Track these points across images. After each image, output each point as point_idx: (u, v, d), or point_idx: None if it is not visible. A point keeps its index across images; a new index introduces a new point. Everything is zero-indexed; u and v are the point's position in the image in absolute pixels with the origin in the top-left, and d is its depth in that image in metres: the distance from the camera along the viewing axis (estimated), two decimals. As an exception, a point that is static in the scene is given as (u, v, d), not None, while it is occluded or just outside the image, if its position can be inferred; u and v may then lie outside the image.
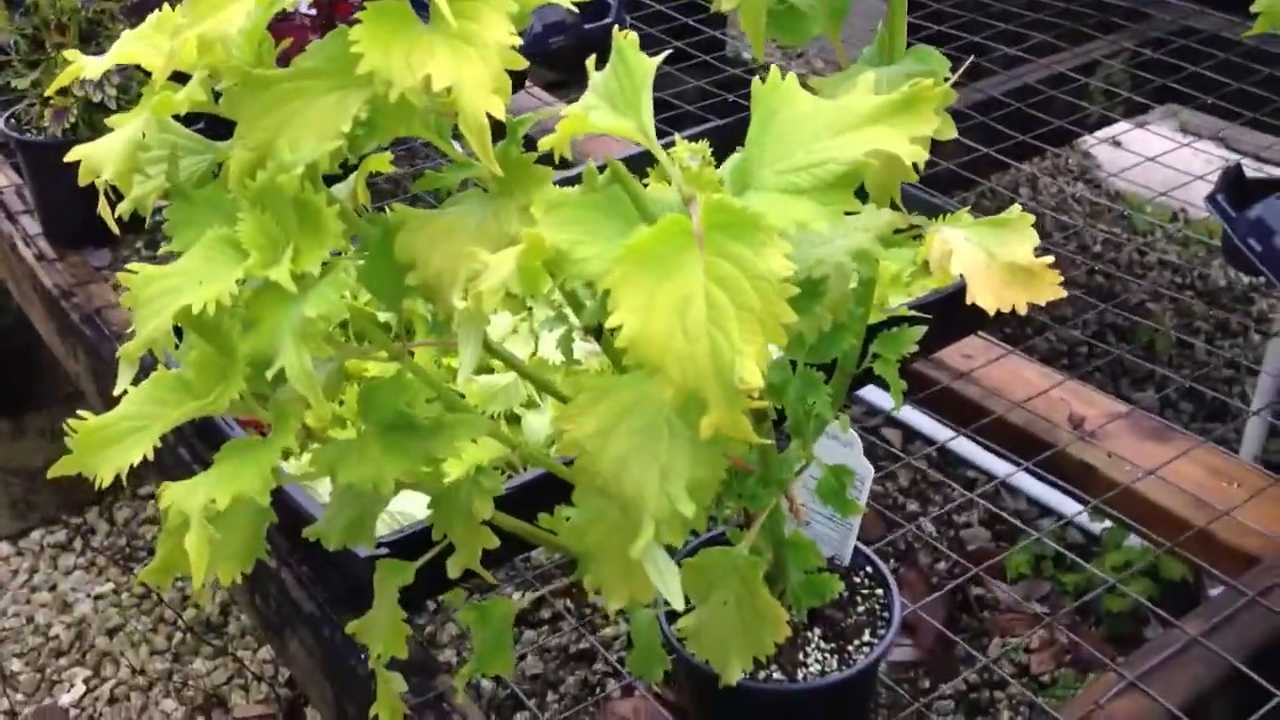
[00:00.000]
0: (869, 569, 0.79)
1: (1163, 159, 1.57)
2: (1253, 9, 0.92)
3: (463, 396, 1.02)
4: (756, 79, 0.50)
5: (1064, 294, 0.58)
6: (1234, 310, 2.13)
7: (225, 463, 0.55)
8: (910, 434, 1.92)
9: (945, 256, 0.57)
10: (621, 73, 0.50)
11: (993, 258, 0.57)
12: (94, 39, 1.34)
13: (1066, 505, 1.52)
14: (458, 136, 0.54)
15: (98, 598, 1.89)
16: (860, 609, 0.77)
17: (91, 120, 1.34)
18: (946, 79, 0.60)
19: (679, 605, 0.47)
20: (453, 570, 0.62)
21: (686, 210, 0.47)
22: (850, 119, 0.48)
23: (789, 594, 0.73)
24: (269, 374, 0.52)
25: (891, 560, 1.76)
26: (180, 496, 0.54)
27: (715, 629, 0.62)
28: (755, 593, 0.61)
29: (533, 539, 0.68)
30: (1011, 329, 1.67)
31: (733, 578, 0.62)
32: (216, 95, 0.58)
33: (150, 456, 0.56)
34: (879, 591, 0.78)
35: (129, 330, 0.55)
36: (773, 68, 0.50)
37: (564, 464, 0.69)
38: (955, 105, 0.60)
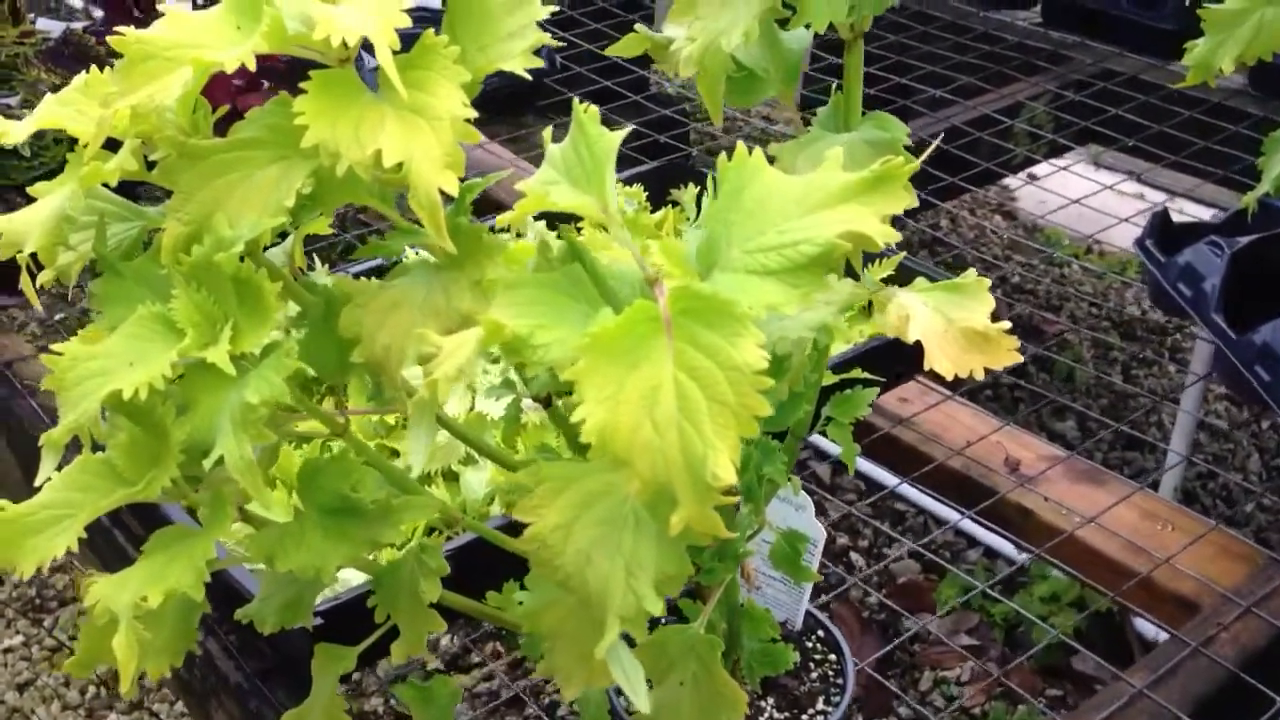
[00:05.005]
0: (821, 633, 0.78)
1: (1081, 196, 1.60)
2: (1185, 60, 0.93)
3: (396, 454, 0.99)
4: (723, 156, 0.48)
5: (1021, 358, 0.57)
6: (1149, 341, 2.18)
7: (155, 555, 0.52)
8: (839, 467, 1.92)
9: (903, 321, 0.56)
10: (582, 147, 0.48)
11: (950, 323, 0.56)
12: (8, 81, 1.29)
13: (994, 538, 1.53)
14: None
15: (7, 651, 1.81)
16: (813, 675, 0.75)
17: (2, 167, 1.28)
18: (908, 147, 0.60)
19: (645, 709, 0.45)
20: (398, 656, 0.60)
21: (651, 292, 0.46)
22: (821, 196, 0.47)
23: (743, 663, 0.71)
24: (207, 463, 0.49)
25: (823, 595, 1.76)
26: (108, 594, 0.50)
27: (672, 711, 0.60)
28: (714, 673, 0.59)
29: (481, 617, 0.65)
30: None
31: (690, 657, 0.60)
32: (150, 163, 0.55)
33: (74, 548, 0.52)
34: (831, 657, 0.77)
35: (40, 384, 0.52)
36: (739, 143, 0.49)
37: (497, 528, 0.66)
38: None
